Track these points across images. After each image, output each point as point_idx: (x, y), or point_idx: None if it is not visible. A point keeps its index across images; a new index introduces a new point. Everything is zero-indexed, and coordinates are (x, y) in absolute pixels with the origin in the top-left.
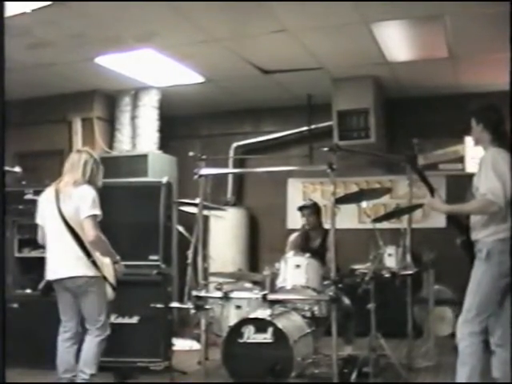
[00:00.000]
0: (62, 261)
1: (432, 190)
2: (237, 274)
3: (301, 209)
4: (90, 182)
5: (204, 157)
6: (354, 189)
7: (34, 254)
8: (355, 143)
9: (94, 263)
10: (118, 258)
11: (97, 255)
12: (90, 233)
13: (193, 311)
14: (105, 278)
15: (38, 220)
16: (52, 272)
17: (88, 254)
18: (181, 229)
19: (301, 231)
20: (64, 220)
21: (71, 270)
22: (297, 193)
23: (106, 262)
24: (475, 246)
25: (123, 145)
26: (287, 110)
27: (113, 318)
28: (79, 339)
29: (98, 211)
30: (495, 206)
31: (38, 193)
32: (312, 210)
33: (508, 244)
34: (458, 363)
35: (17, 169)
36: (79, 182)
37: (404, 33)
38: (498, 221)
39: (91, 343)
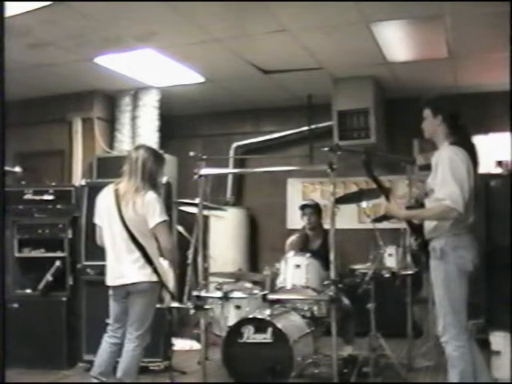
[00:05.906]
0: (126, 267)
1: (387, 195)
2: (237, 274)
3: (303, 207)
4: (151, 183)
5: (204, 157)
6: (354, 189)
7: (34, 254)
8: (355, 143)
9: (156, 270)
10: (177, 270)
11: (160, 262)
12: (167, 239)
13: (192, 311)
14: (164, 285)
15: (97, 220)
16: (115, 278)
17: (150, 262)
18: (181, 229)
19: (300, 233)
20: (126, 228)
21: (136, 277)
22: (297, 193)
23: (165, 270)
24: (429, 245)
25: (123, 145)
26: (287, 110)
27: None
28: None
29: (166, 216)
30: (455, 212)
31: (37, 193)
32: (314, 209)
33: (464, 240)
34: (449, 366)
35: (17, 169)
36: (141, 188)
37: (404, 33)
38: (454, 221)
39: (134, 353)
